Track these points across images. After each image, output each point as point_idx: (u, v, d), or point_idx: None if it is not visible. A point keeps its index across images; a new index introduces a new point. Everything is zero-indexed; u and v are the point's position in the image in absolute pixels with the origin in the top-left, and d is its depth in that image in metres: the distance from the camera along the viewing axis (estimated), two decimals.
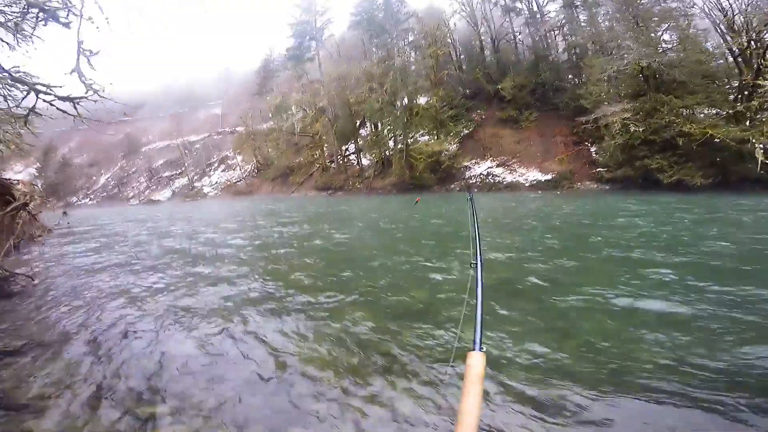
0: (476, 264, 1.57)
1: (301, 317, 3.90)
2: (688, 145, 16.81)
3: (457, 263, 5.63)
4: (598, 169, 22.32)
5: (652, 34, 19.28)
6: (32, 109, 6.03)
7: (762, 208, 10.49)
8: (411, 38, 35.01)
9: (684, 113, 17.84)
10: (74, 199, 52.90)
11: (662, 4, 19.45)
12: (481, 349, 1.12)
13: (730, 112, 17.23)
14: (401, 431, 2.18)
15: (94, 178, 60.33)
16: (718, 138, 16.06)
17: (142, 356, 3.15)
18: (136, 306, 4.51)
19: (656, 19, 19.44)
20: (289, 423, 2.28)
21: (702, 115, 18.16)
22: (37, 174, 48.07)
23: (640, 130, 18.23)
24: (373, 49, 35.69)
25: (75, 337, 3.53)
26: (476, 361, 1.06)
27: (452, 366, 2.70)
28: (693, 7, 19.06)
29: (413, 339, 3.25)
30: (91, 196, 56.60)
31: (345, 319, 3.78)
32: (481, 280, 1.46)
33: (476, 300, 1.35)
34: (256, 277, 5.65)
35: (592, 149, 23.80)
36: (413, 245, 7.64)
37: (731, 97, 18.18)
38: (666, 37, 20.04)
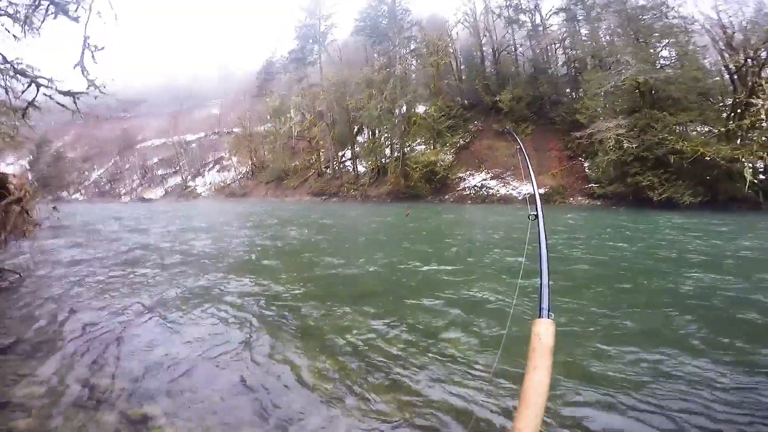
0: (536, 216, 1.35)
1: (296, 323, 3.90)
2: (680, 163, 17.06)
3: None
4: (590, 185, 22.59)
5: (651, 50, 19.60)
6: (31, 102, 6.00)
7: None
8: (413, 46, 35.36)
9: (677, 130, 18.14)
10: (65, 193, 52.20)
11: (664, 20, 19.79)
12: (549, 316, 1.00)
13: (722, 130, 17.53)
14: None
15: (87, 173, 59.67)
16: (709, 156, 16.33)
17: (130, 355, 3.11)
18: (122, 304, 4.47)
19: (657, 35, 19.78)
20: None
21: (694, 133, 18.49)
22: (28, 167, 47.42)
23: (634, 146, 18.49)
24: (375, 55, 35.97)
25: (63, 335, 3.48)
26: (544, 330, 0.93)
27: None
28: (694, 23, 19.38)
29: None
30: (82, 191, 55.94)
31: (358, 314, 3.78)
32: (545, 235, 1.25)
33: (539, 261, 1.16)
34: (254, 279, 5.63)
35: (586, 164, 24.10)
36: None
37: (724, 115, 18.50)
38: (665, 53, 20.40)
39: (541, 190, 24.04)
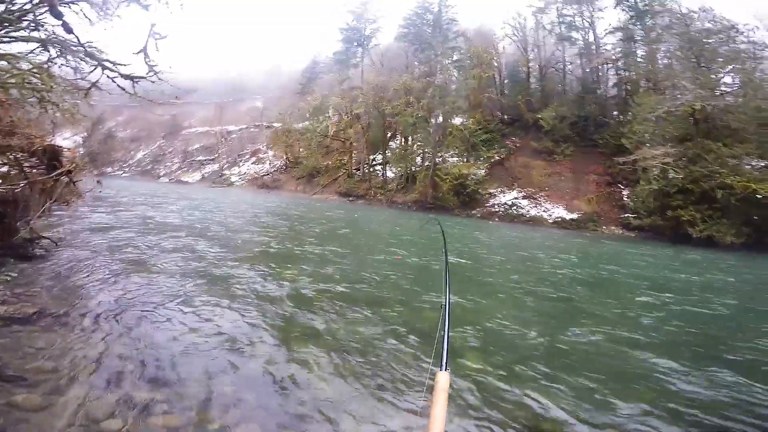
0: (444, 303, 1.79)
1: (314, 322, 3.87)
2: (727, 199, 15.97)
3: None
4: (626, 214, 21.48)
5: (713, 76, 18.48)
6: (95, 84, 6.33)
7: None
8: (456, 57, 35.06)
9: (730, 163, 16.95)
10: (109, 169, 55.08)
11: (730, 45, 18.61)
12: (446, 369, 1.33)
13: None
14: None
15: (132, 152, 62.87)
16: (761, 194, 15.20)
17: (145, 337, 3.16)
18: (147, 280, 4.61)
19: (721, 60, 18.64)
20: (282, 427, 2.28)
21: (748, 167, 17.23)
22: (82, 142, 50.33)
23: (680, 177, 17.43)
24: (416, 63, 35.93)
25: (86, 311, 3.56)
26: (443, 378, 1.26)
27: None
28: (764, 50, 18.12)
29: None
30: (126, 169, 58.94)
31: (341, 330, 3.72)
32: (449, 314, 1.69)
33: (444, 329, 1.57)
34: (276, 272, 5.68)
35: (624, 192, 23.02)
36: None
37: None
38: (727, 80, 19.18)
39: (575, 215, 23.23)
